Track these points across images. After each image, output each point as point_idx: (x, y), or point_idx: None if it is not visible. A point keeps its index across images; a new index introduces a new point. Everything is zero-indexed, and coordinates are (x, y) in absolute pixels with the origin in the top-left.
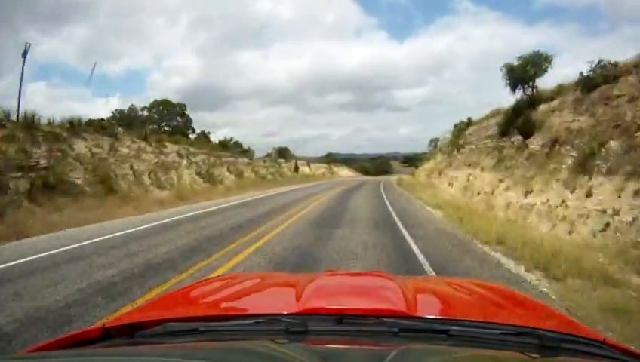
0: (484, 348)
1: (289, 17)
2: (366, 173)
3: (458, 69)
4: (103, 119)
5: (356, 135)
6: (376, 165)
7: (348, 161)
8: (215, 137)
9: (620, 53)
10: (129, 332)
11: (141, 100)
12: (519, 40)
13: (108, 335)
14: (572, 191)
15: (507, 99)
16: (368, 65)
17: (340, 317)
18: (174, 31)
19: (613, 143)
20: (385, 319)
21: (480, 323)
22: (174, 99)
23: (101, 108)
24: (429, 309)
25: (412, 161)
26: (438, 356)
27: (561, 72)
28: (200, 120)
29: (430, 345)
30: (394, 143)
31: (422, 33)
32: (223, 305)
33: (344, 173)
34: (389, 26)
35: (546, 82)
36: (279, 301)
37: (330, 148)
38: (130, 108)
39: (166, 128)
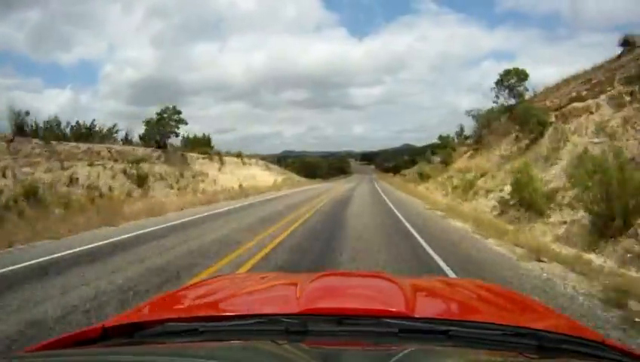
0: (484, 348)
1: (249, 10)
2: (311, 174)
3: (415, 70)
4: None
5: (310, 133)
6: (330, 163)
7: (300, 157)
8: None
9: (576, 59)
10: (129, 332)
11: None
12: (479, 43)
13: (108, 335)
14: None
15: (464, 101)
16: (326, 62)
17: (340, 317)
18: (129, 20)
19: None
20: (385, 319)
21: (480, 324)
22: (127, 92)
23: (52, 101)
24: (429, 309)
25: (369, 157)
26: (442, 358)
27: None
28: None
29: (430, 345)
30: (348, 142)
31: (382, 32)
32: (223, 305)
33: (228, 179)
34: (350, 23)
35: None
36: (279, 301)
37: (284, 145)
38: None
39: None
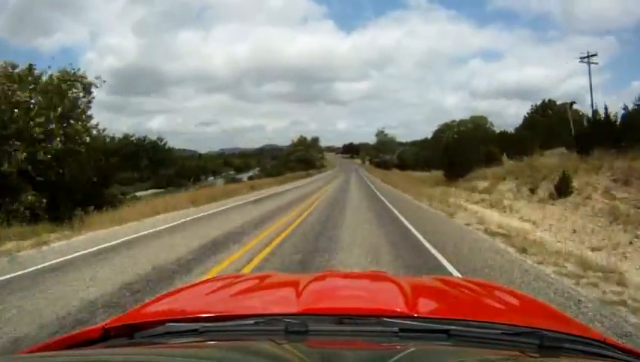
0: (484, 348)
1: None
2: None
3: (402, 66)
4: None
5: (293, 127)
6: (291, 153)
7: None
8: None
9: (562, 62)
10: (129, 333)
11: None
12: (468, 41)
13: (108, 336)
14: None
15: (449, 100)
16: (311, 55)
17: (340, 317)
18: (111, 6)
19: None
20: (385, 319)
21: (480, 323)
22: (108, 82)
23: None
24: (429, 309)
25: (353, 150)
26: (443, 358)
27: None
28: (137, 105)
29: (431, 345)
30: (331, 137)
31: (370, 26)
32: (223, 305)
33: None
34: (338, 16)
35: None
36: (279, 301)
37: (266, 140)
38: None
39: None
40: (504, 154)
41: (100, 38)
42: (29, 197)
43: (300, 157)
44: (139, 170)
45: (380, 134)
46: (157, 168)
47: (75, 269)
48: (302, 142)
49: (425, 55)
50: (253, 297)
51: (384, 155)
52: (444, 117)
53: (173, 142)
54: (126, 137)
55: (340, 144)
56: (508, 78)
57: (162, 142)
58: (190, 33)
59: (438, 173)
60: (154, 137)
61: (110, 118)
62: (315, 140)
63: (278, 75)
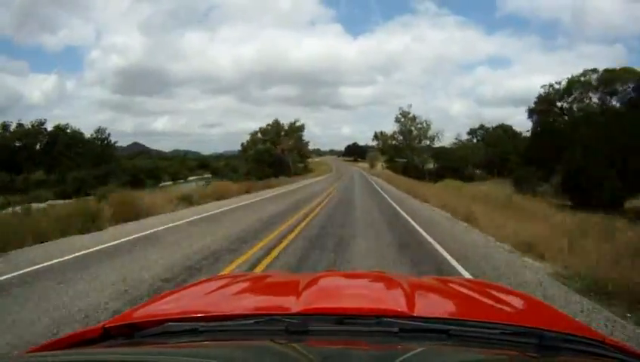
0: (484, 347)
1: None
2: None
3: (409, 71)
4: None
5: None
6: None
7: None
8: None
9: (568, 69)
10: (129, 333)
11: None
12: (475, 47)
13: (108, 336)
14: None
15: (455, 107)
16: (317, 58)
17: (341, 317)
18: (116, 4)
19: None
20: (385, 319)
21: (480, 323)
22: (113, 80)
23: (38, 85)
24: (429, 309)
25: (357, 153)
26: (444, 358)
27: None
28: (141, 105)
29: (431, 344)
30: (335, 142)
31: (378, 30)
32: (223, 305)
33: None
34: (346, 20)
35: None
36: (279, 301)
37: None
38: None
39: None
40: None
41: (105, 37)
42: None
43: (261, 155)
44: (55, 169)
45: (404, 117)
46: (72, 168)
47: None
48: (272, 129)
49: (432, 61)
50: (253, 297)
51: (411, 154)
52: (449, 123)
53: (178, 144)
54: (37, 125)
55: (343, 149)
56: (515, 85)
57: (103, 136)
58: (196, 34)
59: None
60: (157, 137)
61: (114, 117)
62: (298, 128)
63: (283, 78)
